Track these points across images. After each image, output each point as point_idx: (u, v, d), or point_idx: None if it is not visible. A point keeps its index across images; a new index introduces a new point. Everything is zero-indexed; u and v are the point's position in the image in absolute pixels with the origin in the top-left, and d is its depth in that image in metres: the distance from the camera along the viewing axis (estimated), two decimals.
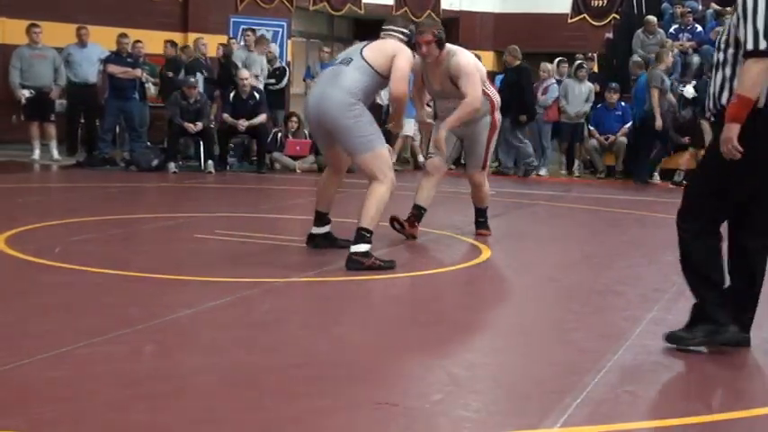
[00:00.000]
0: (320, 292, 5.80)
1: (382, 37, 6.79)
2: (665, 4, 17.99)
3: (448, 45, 7.41)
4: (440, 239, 7.63)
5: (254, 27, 15.83)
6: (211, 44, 15.17)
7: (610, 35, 18.01)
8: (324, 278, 6.08)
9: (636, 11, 18.03)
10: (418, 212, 7.62)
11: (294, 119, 14.52)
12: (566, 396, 3.70)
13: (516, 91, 13.80)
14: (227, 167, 13.74)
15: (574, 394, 3.73)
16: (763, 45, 4.02)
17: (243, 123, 13.52)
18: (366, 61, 6.48)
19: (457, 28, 19.87)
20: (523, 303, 5.91)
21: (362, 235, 6.29)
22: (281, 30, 18.00)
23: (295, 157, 14.13)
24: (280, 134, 14.35)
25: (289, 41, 18.25)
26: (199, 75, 14.06)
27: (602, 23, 19.05)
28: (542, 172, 14.59)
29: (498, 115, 7.79)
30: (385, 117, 12.82)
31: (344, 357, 4.31)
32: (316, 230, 6.99)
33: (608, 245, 8.14)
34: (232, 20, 17.51)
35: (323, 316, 5.14)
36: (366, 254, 6.27)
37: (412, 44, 6.84)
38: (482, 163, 7.80)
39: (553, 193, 12.09)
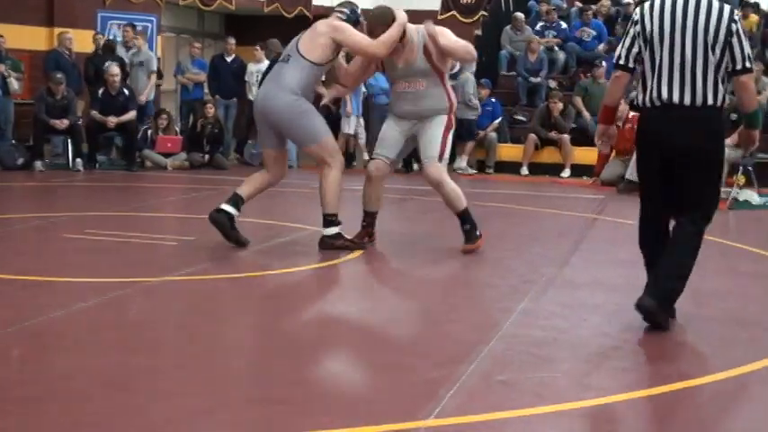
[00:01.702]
0: (194, 290, 5.76)
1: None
2: (531, 2, 18.40)
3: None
4: (315, 236, 7.64)
5: (121, 22, 15.56)
6: (78, 39, 14.82)
7: (479, 32, 18.31)
8: (198, 276, 6.04)
9: (503, 8, 18.39)
10: (371, 219, 7.34)
11: (164, 116, 14.35)
12: (440, 387, 3.77)
13: None
14: (97, 165, 13.49)
15: (448, 385, 3.80)
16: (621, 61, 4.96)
17: (112, 120, 13.30)
18: (302, 55, 6.76)
19: None
20: (397, 297, 5.98)
21: (329, 220, 6.93)
22: (150, 25, 17.70)
23: (166, 155, 13.96)
24: (150, 131, 14.15)
25: (158, 37, 17.98)
26: None
27: (471, 20, 19.31)
28: (415, 167, 14.72)
29: (454, 118, 7.24)
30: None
31: (220, 356, 4.30)
32: (225, 206, 6.85)
33: None
34: (100, 14, 17.14)
35: (197, 315, 5.11)
36: (336, 235, 6.93)
37: (356, 22, 6.97)
38: (438, 153, 7.04)
39: (425, 188, 12.21)
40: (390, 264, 7.03)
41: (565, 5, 18.10)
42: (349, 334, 4.84)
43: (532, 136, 14.55)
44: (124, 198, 10.82)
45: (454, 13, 19.61)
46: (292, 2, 19.34)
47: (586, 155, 14.01)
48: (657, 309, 4.78)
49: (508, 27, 17.10)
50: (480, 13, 19.24)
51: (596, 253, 7.24)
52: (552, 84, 16.05)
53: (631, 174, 12.16)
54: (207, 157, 14.06)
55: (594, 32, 16.74)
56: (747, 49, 4.76)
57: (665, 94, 4.75)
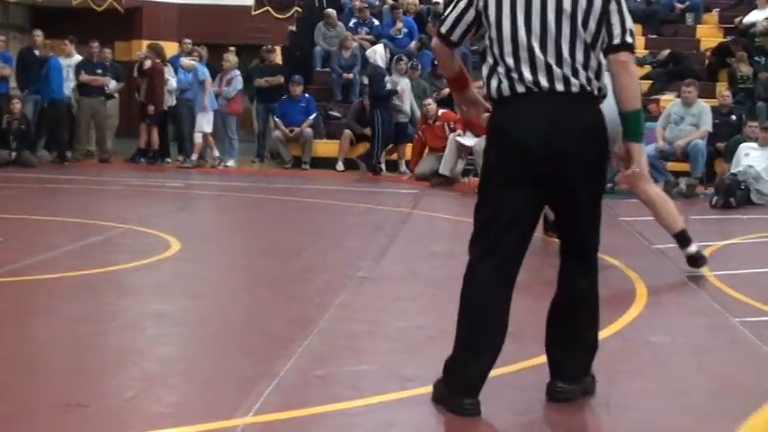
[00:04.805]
0: (3, 292, 5.56)
1: None
2: None
3: None
4: (128, 234, 7.50)
5: None
6: None
7: (293, 28, 18.33)
8: (7, 278, 5.83)
9: (317, 4, 18.44)
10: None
11: None
12: (258, 384, 3.77)
13: None
14: None
15: (266, 382, 3.81)
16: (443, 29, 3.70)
17: None
18: None
19: (140, 18, 19.46)
20: (215, 293, 5.94)
21: None
22: None
23: None
24: None
25: None
26: None
27: (285, 16, 19.32)
28: (230, 163, 14.63)
29: None
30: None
31: (30, 359, 4.18)
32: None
33: (296, 233, 8.31)
34: None
35: (6, 317, 4.94)
36: None
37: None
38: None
39: (240, 184, 12.16)
40: (208, 259, 6.97)
41: (377, 2, 18.32)
42: (165, 333, 4.77)
43: (347, 132, 14.66)
44: None
45: (268, 8, 19.59)
46: None
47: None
48: (578, 390, 3.77)
49: (321, 23, 17.17)
50: (294, 9, 19.27)
51: (411, 246, 7.38)
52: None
53: (444, 168, 12.47)
54: (14, 154, 13.62)
55: (406, 29, 17.00)
56: (629, 21, 3.56)
57: (528, 77, 3.48)
